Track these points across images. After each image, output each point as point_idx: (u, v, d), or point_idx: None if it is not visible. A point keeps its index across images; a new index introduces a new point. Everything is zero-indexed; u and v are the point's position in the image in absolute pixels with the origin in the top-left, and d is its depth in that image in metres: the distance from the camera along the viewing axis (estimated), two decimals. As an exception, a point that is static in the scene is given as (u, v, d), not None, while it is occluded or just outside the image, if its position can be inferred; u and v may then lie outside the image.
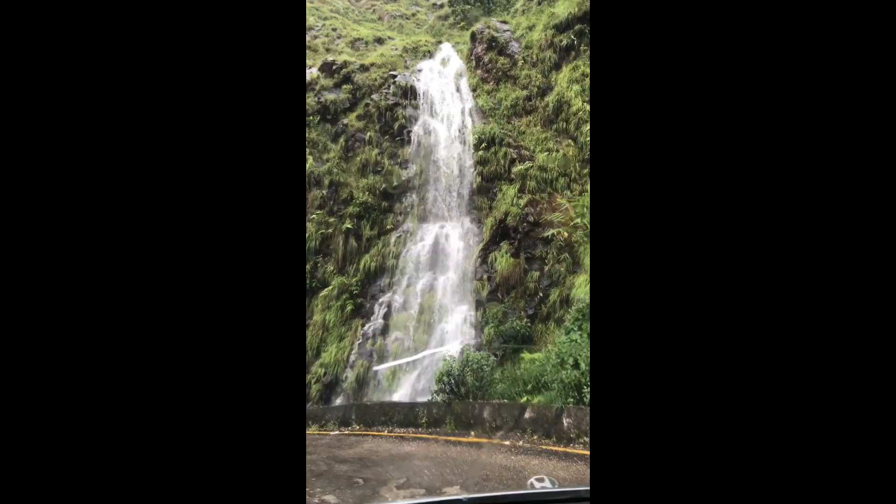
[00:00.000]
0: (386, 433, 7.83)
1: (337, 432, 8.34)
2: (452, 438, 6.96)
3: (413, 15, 24.79)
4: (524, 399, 7.13)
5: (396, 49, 17.69)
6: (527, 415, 6.78)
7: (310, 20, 20.32)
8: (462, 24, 21.09)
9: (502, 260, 10.86)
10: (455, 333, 10.53)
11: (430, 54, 17.44)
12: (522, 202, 11.45)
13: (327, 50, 18.31)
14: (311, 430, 8.81)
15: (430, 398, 8.41)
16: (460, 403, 7.55)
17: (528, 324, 9.53)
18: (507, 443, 6.35)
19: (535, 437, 6.43)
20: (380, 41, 18.97)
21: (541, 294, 10.03)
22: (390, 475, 5.05)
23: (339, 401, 10.15)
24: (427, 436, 7.29)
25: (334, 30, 20.28)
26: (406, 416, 8.16)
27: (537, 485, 1.42)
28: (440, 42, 18.57)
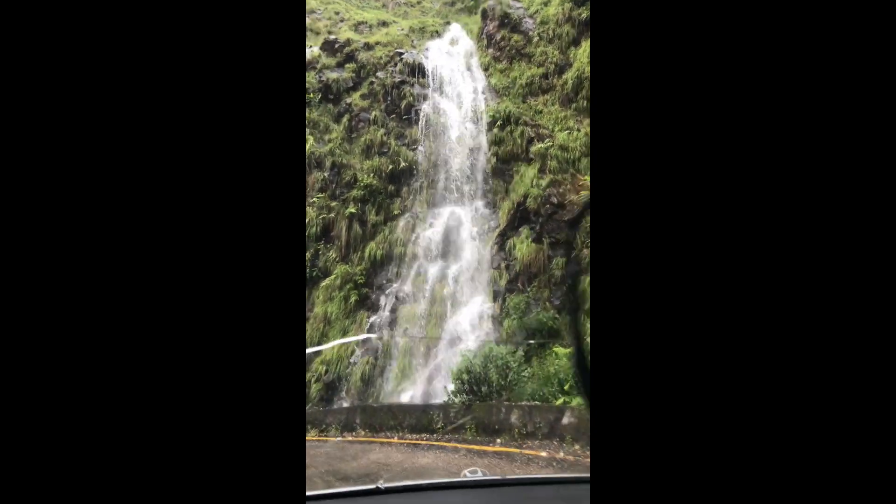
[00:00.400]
0: (396, 440, 6.77)
1: (339, 439, 7.28)
2: (476, 447, 5.89)
3: (418, 2, 23.82)
4: (560, 401, 6.05)
5: (402, 29, 16.68)
6: (565, 420, 5.71)
7: (311, 3, 19.38)
8: (471, 4, 20.06)
9: (522, 246, 9.82)
10: (471, 327, 9.49)
11: (437, 34, 16.40)
12: (544, 183, 10.40)
13: (329, 33, 17.33)
14: (310, 436, 7.76)
15: (446, 399, 7.36)
16: (482, 406, 6.49)
17: (556, 315, 8.46)
18: (543, 454, 5.28)
19: (578, 447, 5.35)
20: (384, 24, 17.98)
21: (569, 282, 8.93)
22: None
23: (341, 402, 9.11)
24: (445, 444, 6.23)
25: (337, 13, 19.31)
26: (419, 420, 7.11)
27: (469, 476, 1.37)
28: (448, 23, 17.54)
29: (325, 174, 11.84)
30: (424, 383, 8.97)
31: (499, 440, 6.02)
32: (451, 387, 7.26)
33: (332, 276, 10.56)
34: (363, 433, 7.49)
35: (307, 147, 11.85)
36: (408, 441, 6.59)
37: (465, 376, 6.73)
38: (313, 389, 9.28)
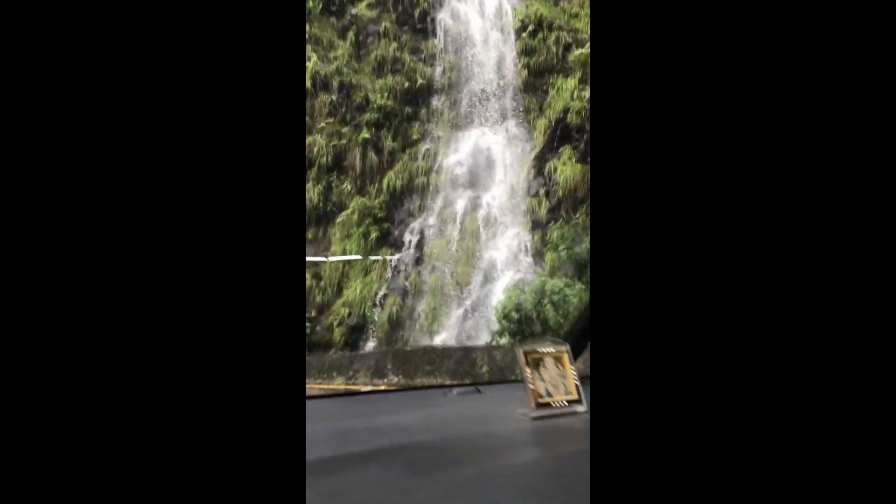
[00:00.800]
0: (437, 386, 5.93)
1: (370, 388, 6.47)
2: (533, 395, 4.99)
3: None
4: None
5: (409, -71, 14.49)
6: (644, 361, 4.74)
7: None
8: None
9: (565, 169, 8.57)
10: (508, 262, 8.47)
11: (450, -67, 14.22)
12: (587, 94, 8.95)
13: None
14: (337, 384, 6.98)
15: (489, 341, 6.46)
16: (536, 347, 5.56)
17: (610, 244, 7.35)
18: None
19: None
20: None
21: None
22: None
23: (369, 346, 8.34)
24: (495, 391, 5.35)
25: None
26: (459, 364, 6.25)
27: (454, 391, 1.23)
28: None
29: (333, 97, 10.45)
30: (458, 324, 8.10)
31: (560, 387, 5.13)
32: (496, 326, 6.35)
33: (349, 211, 9.48)
34: (396, 380, 6.70)
35: (310, 66, 10.39)
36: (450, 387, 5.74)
37: (514, 315, 5.76)
38: (336, 334, 8.49)
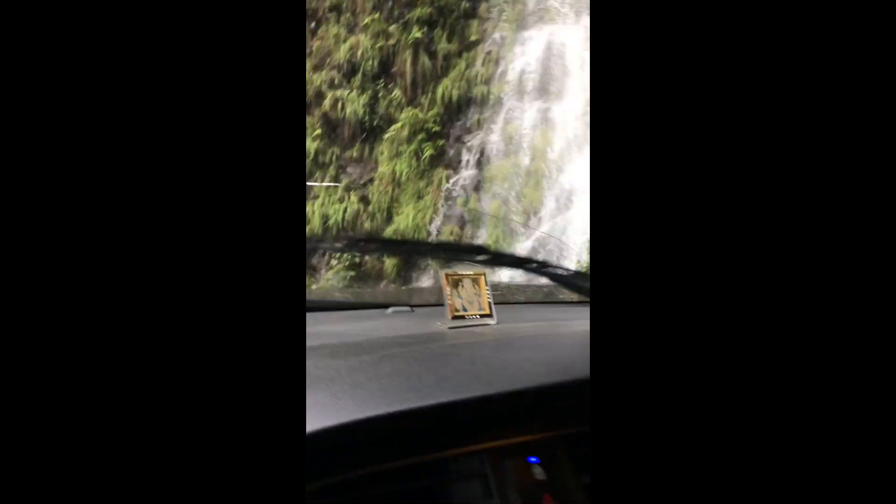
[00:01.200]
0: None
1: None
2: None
3: None
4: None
5: None
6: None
7: None
8: None
9: (661, 70, 6.97)
10: (587, 186, 7.18)
11: None
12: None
13: None
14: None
15: (568, 271, 5.37)
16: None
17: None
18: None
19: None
20: None
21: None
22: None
23: (423, 281, 7.48)
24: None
25: None
26: (546, 296, 5.23)
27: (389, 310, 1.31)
28: None
29: (378, -11, 8.87)
30: (528, 253, 7.04)
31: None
32: (585, 257, 5.27)
33: (398, 125, 8.26)
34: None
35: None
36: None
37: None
38: (388, 265, 7.65)
